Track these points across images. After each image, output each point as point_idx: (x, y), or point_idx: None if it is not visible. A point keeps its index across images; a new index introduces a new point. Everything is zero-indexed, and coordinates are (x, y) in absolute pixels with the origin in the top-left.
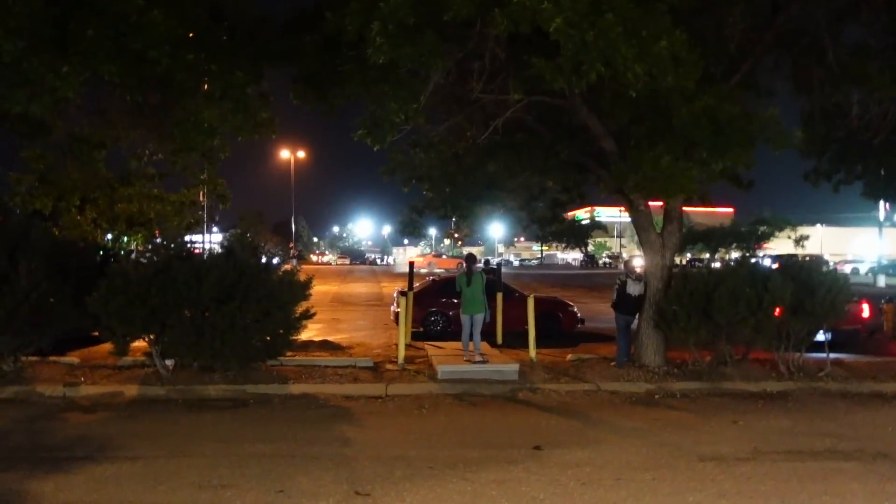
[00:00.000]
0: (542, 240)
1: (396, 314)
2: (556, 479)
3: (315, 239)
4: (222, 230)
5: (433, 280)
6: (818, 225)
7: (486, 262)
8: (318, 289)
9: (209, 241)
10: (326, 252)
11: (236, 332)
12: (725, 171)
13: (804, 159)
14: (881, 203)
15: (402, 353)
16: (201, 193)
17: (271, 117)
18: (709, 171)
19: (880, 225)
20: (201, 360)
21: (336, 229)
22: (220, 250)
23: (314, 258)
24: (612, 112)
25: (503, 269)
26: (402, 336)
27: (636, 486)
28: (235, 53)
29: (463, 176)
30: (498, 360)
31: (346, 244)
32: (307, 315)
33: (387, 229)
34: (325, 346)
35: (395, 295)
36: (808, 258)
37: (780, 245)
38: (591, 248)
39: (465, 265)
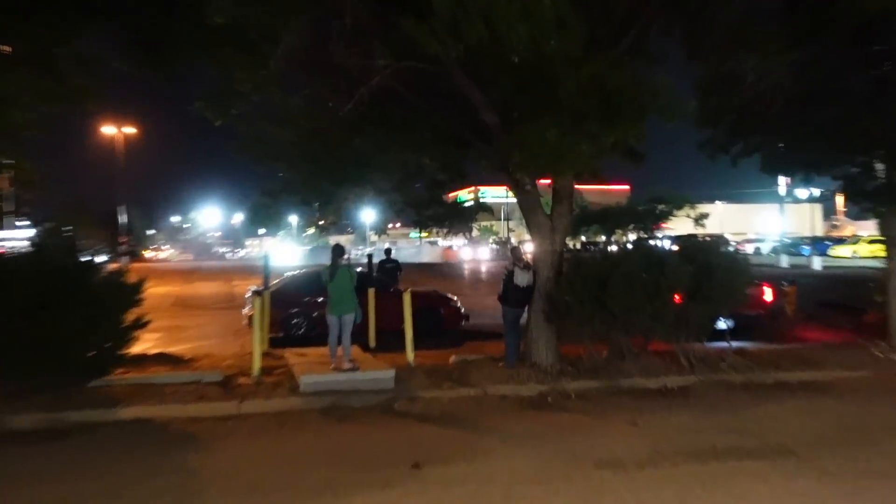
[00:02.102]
0: (420, 225)
1: (250, 318)
2: (438, 500)
3: (152, 231)
4: (35, 225)
5: (293, 276)
6: (717, 202)
7: (388, 252)
8: (156, 291)
9: (16, 238)
10: (166, 246)
11: (52, 348)
12: (617, 144)
13: (700, 131)
14: (781, 178)
15: (257, 363)
16: (6, 180)
17: (92, 85)
18: (599, 145)
19: (781, 200)
20: (8, 382)
21: (177, 219)
22: (30, 249)
23: (150, 254)
24: (493, 80)
25: (374, 260)
26: (258, 343)
27: (527, 502)
28: (42, 7)
29: (326, 154)
30: (371, 365)
31: (190, 236)
32: (140, 324)
33: (238, 218)
34: (164, 359)
35: (248, 295)
36: (707, 238)
37: (679, 225)
38: (475, 232)
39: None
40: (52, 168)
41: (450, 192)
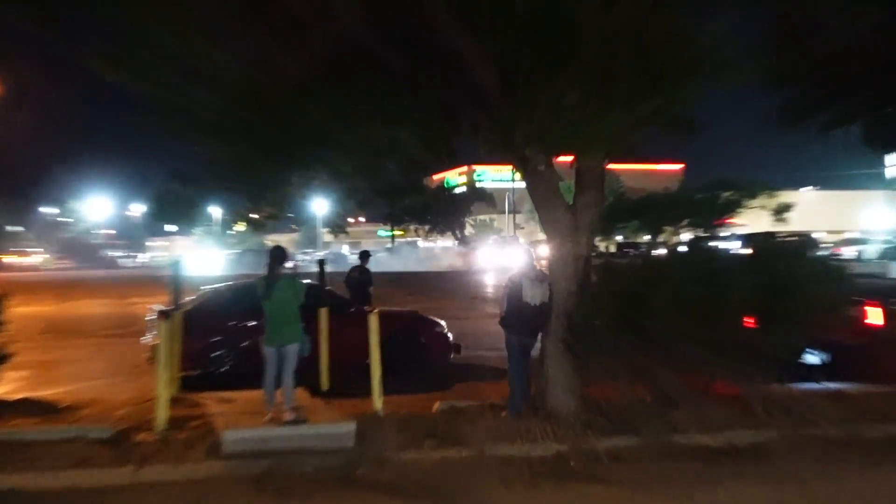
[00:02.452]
0: (393, 220)
1: (154, 349)
2: None
3: (14, 228)
4: None
5: (215, 291)
6: (805, 189)
7: (364, 256)
8: (20, 312)
9: None
10: (34, 249)
11: None
12: (660, 113)
13: (776, 94)
14: (891, 155)
15: (163, 412)
16: None
17: None
18: (634, 113)
19: (890, 186)
20: None
21: (51, 211)
22: None
23: (10, 260)
24: (493, 28)
25: (327, 269)
26: (164, 384)
27: None
28: None
29: (266, 126)
30: (323, 416)
31: (70, 235)
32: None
33: (138, 210)
34: (32, 407)
35: (151, 318)
36: (790, 238)
37: (752, 219)
38: (468, 229)
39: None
40: None
41: (434, 175)
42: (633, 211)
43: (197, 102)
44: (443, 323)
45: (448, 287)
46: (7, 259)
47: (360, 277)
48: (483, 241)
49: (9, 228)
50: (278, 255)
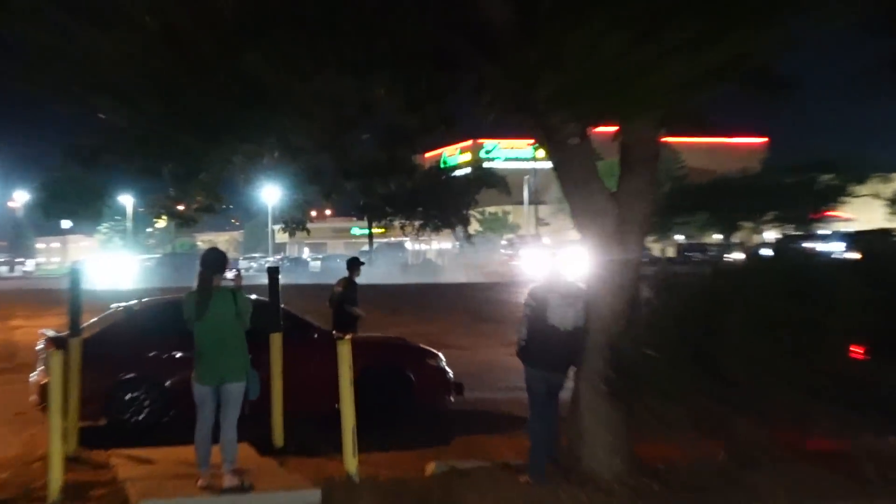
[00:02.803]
0: (371, 213)
1: (44, 388)
2: None
3: None
4: None
5: (128, 310)
6: None
7: (353, 264)
8: None
9: None
10: None
11: None
12: (735, 64)
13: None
14: None
15: (56, 476)
16: None
17: None
18: (700, 63)
19: None
20: None
21: None
22: None
23: None
24: None
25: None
26: (57, 437)
27: None
28: None
29: (191, 80)
30: (276, 481)
31: None
32: None
33: (20, 201)
34: None
35: (40, 347)
36: None
37: (862, 211)
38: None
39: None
40: None
41: (426, 152)
42: (699, 200)
43: (93, 48)
44: (439, 354)
45: (449, 303)
46: None
47: (344, 294)
48: (493, 240)
49: None
50: (214, 260)
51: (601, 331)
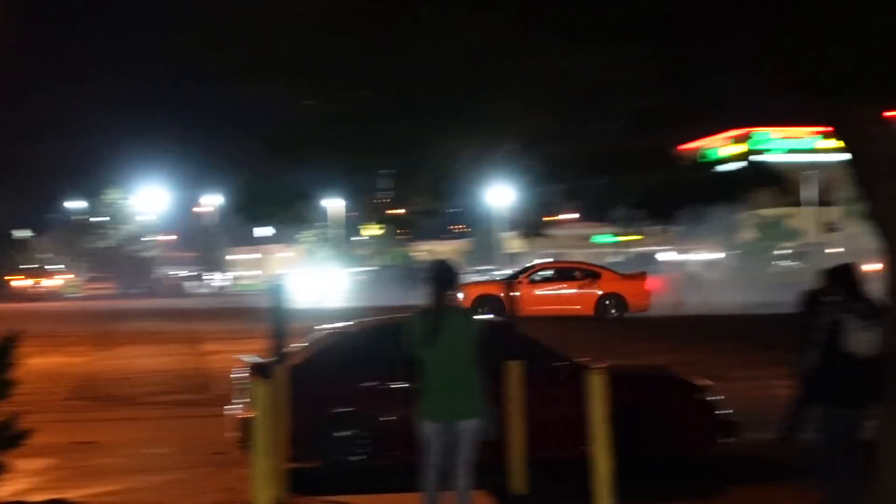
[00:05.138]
0: (619, 216)
1: (246, 424)
2: None
3: (24, 233)
4: None
5: (339, 333)
6: None
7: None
8: (37, 365)
9: None
10: (56, 266)
11: None
12: None
13: None
14: None
15: None
16: None
17: None
18: None
19: None
20: None
21: (77, 206)
22: None
23: (22, 282)
24: None
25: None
26: (264, 482)
27: None
28: None
29: (406, 56)
30: None
31: (108, 244)
32: (10, 437)
33: (212, 205)
34: None
35: (239, 376)
36: None
37: None
38: (744, 232)
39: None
40: None
41: (681, 144)
42: None
43: (290, 18)
44: (707, 386)
45: (718, 324)
46: (16, 282)
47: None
48: (769, 249)
49: (15, 234)
50: (445, 274)
51: None
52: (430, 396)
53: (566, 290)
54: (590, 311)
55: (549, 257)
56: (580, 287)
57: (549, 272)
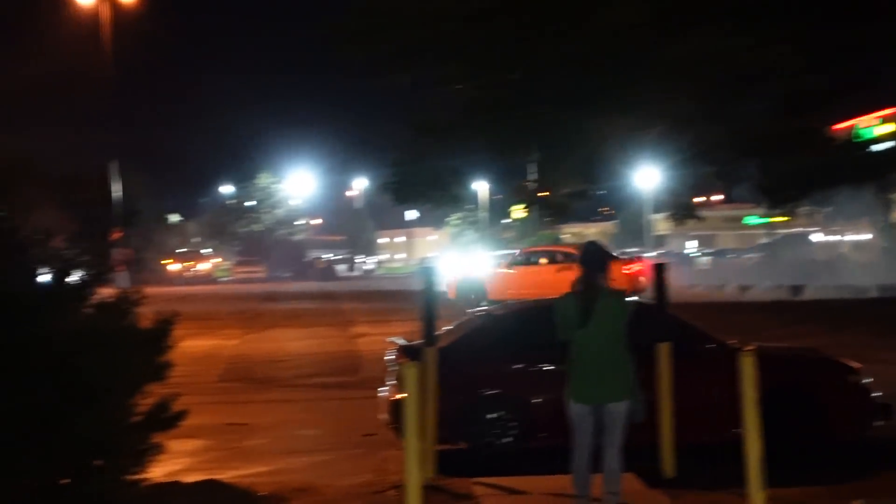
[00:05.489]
0: (771, 197)
1: (396, 406)
2: None
3: (175, 218)
4: None
5: (489, 316)
6: None
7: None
8: (191, 347)
9: None
10: (207, 251)
11: None
12: None
13: None
14: None
15: None
16: None
17: None
18: None
19: None
20: None
21: (227, 191)
22: None
23: (174, 266)
24: None
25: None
26: (414, 464)
27: None
28: None
29: (554, 39)
30: None
31: (256, 228)
32: (166, 418)
33: (359, 189)
34: (219, 494)
35: (390, 358)
36: None
37: None
38: None
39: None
40: None
41: (833, 124)
42: None
43: (437, 4)
44: (860, 368)
45: (871, 307)
46: (170, 266)
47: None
48: None
49: (170, 218)
50: (598, 256)
51: None
52: (580, 378)
53: (545, 274)
54: None
55: (694, 240)
56: (558, 271)
57: (534, 256)
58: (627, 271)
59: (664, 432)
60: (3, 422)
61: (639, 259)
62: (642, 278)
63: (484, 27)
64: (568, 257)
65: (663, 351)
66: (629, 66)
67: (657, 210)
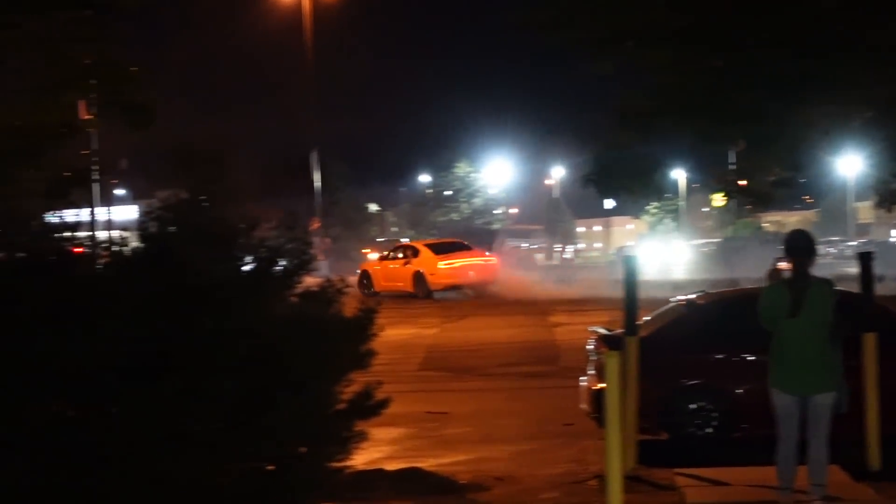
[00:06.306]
0: None
1: (596, 395)
2: None
3: (372, 207)
4: (135, 196)
5: (691, 306)
6: None
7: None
8: (389, 336)
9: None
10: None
11: (179, 460)
12: None
13: None
14: None
15: (616, 497)
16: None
17: None
18: None
19: None
20: None
21: (424, 180)
22: (136, 246)
23: (372, 256)
24: None
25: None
26: (616, 454)
27: None
28: None
29: (755, 24)
30: None
31: (455, 217)
32: (369, 406)
33: (557, 175)
34: (421, 481)
35: (590, 346)
36: None
37: None
38: None
39: (784, 264)
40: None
41: None
42: None
43: None
44: None
45: None
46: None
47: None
48: None
49: (370, 207)
50: (804, 244)
51: None
52: (785, 369)
53: (392, 266)
54: (410, 288)
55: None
56: (404, 264)
57: (394, 251)
58: None
59: (870, 423)
60: (214, 407)
61: None
62: None
63: (688, 15)
64: (411, 251)
65: (869, 341)
66: (839, 49)
67: (860, 198)
